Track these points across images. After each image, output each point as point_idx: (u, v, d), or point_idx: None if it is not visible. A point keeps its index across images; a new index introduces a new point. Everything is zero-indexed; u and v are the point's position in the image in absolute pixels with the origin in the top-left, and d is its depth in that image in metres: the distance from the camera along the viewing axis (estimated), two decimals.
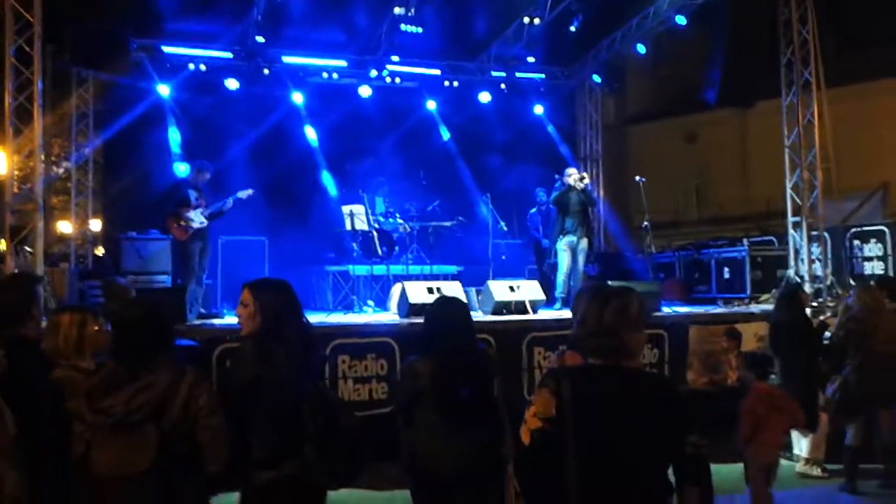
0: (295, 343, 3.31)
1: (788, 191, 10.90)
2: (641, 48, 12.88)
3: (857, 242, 11.05)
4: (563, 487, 2.42)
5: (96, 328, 3.43)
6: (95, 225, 13.27)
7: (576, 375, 2.59)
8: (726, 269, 11.24)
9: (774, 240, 11.99)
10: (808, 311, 7.57)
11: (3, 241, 8.73)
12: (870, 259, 10.84)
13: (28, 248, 8.98)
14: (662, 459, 2.53)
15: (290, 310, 3.39)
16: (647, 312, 3.78)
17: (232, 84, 12.18)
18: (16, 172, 8.87)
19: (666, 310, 9.27)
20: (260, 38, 11.74)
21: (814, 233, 10.73)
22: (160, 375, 3.02)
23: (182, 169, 10.99)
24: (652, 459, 2.49)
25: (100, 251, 12.62)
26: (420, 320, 7.54)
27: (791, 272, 10.67)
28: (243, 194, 8.92)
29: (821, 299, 10.21)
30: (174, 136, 12.00)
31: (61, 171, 12.87)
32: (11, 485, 2.80)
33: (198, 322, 8.06)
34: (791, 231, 10.86)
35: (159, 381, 3.01)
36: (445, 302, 4.29)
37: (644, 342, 2.76)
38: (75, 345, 3.34)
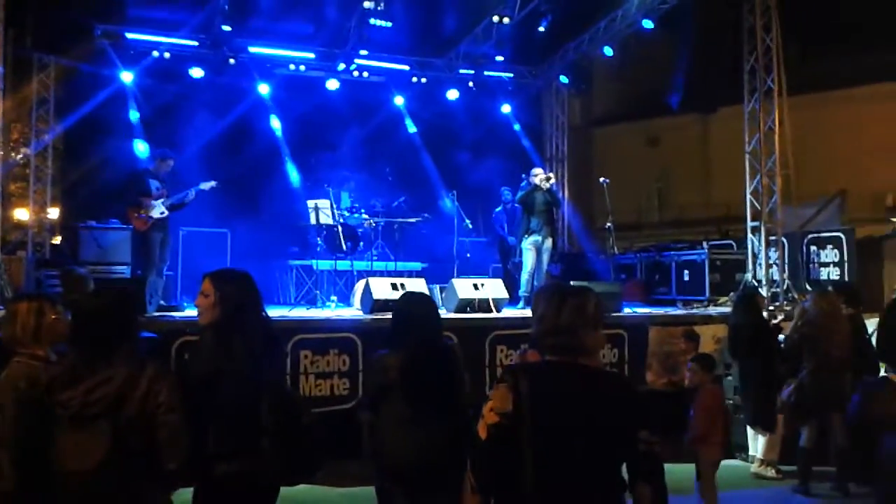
0: (255, 336, 3.29)
1: (748, 196, 11.08)
2: (608, 51, 12.97)
3: (814, 248, 11.26)
4: (519, 482, 2.45)
5: (54, 317, 3.36)
6: (53, 213, 13.00)
7: (533, 372, 2.63)
8: (686, 272, 11.40)
9: (734, 244, 12.19)
10: (764, 314, 7.72)
11: None
12: (826, 265, 11.05)
13: None
14: (616, 456, 2.57)
15: (251, 302, 3.36)
16: (605, 312, 3.83)
17: (196, 73, 12.00)
18: None
19: (627, 310, 9.38)
20: (226, 27, 11.56)
21: (772, 237, 10.93)
22: (119, 369, 2.97)
23: (141, 148, 10.79)
24: (606, 455, 2.53)
25: (57, 240, 12.37)
26: (383, 316, 7.57)
27: (749, 276, 10.86)
28: (206, 186, 8.80)
29: (777, 303, 10.41)
30: (136, 125, 11.78)
31: (20, 157, 12.61)
32: (8, 479, 2.78)
33: (157, 314, 7.95)
34: (750, 235, 11.05)
35: (118, 374, 2.95)
36: (413, 297, 4.33)
37: (602, 341, 2.81)
38: (33, 333, 3.27)
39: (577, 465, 2.47)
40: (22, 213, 16.74)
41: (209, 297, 3.31)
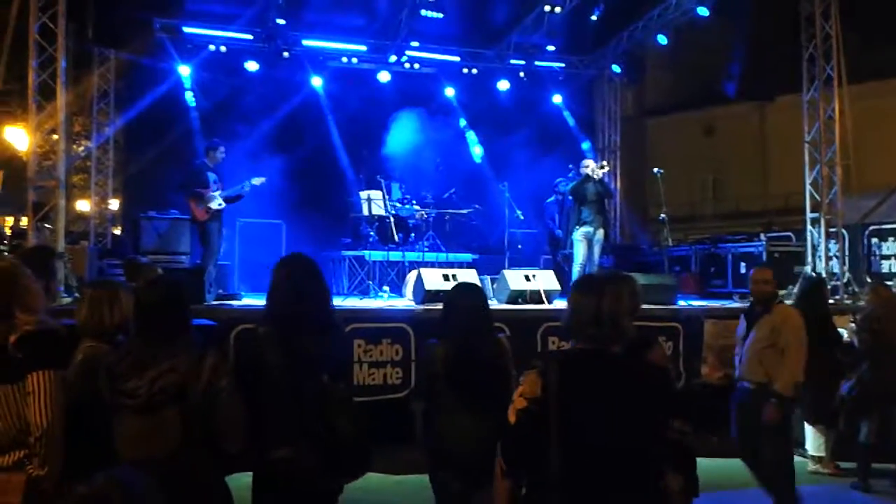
0: (314, 326, 3.33)
1: (808, 187, 10.83)
2: (662, 39, 12.78)
3: (875, 240, 10.98)
4: (547, 467, 2.47)
5: (124, 304, 3.43)
6: (114, 204, 13.37)
7: (563, 359, 2.66)
8: (742, 264, 11.18)
9: (792, 235, 11.94)
10: None
11: (25, 217, 8.81)
12: (888, 257, 10.78)
13: (48, 226, 9.07)
14: (645, 443, 2.57)
15: (311, 291, 3.41)
16: (639, 298, 3.84)
17: (252, 66, 12.22)
18: (37, 149, 8.94)
19: (681, 303, 9.26)
20: (280, 21, 11.75)
21: (832, 229, 10.67)
22: (182, 357, 3.03)
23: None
24: (634, 442, 2.53)
25: (118, 230, 12.71)
26: (435, 307, 7.61)
27: (808, 268, 10.63)
28: (257, 181, 8.98)
29: (837, 296, 10.17)
30: (194, 118, 12.02)
31: (81, 149, 12.96)
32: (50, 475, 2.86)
33: (216, 302, 8.12)
34: (809, 227, 10.80)
35: (181, 362, 3.02)
36: (464, 287, 4.33)
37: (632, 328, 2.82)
38: (102, 319, 3.34)
39: (602, 452, 2.48)
40: (83, 205, 17.26)
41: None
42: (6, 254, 8.86)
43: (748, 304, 5.90)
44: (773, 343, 5.17)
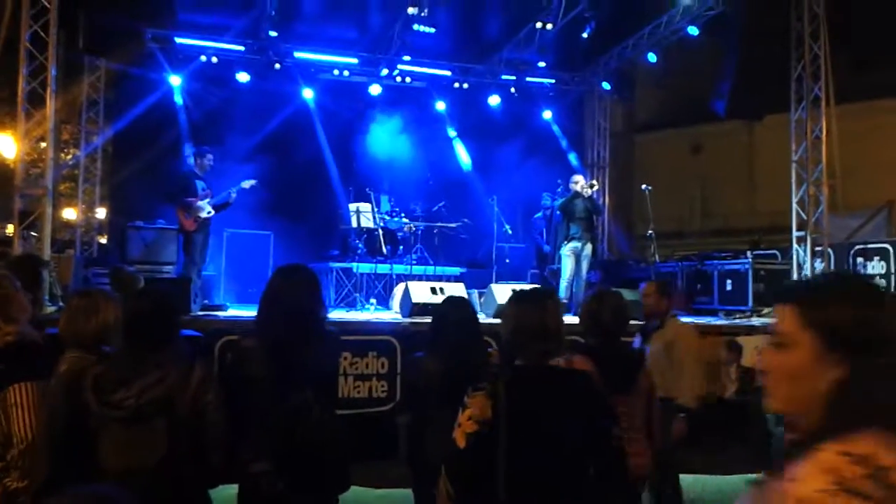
0: (301, 338, 3.31)
1: (794, 205, 10.92)
2: (652, 57, 12.89)
3: (860, 259, 11.05)
4: (493, 489, 2.48)
5: (107, 313, 3.39)
6: (101, 213, 13.30)
7: (510, 378, 2.64)
8: (729, 281, 11.23)
9: (778, 253, 12.01)
10: None
11: (11, 225, 8.76)
12: (872, 277, 10.83)
13: (34, 234, 9.02)
14: (589, 454, 2.60)
15: (295, 300, 3.39)
16: (627, 311, 3.87)
17: (243, 77, 12.23)
18: (24, 157, 8.90)
19: None
20: (273, 33, 11.77)
21: (818, 248, 10.75)
22: (170, 368, 3.01)
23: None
24: (581, 455, 2.56)
25: (104, 239, 12.65)
26: (422, 320, 7.60)
27: None
28: (246, 184, 8.94)
29: None
30: (184, 128, 12.01)
31: (70, 158, 12.92)
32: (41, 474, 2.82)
33: (202, 313, 8.09)
34: (795, 245, 10.88)
35: (170, 374, 3.00)
36: (454, 301, 4.33)
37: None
38: (85, 329, 3.29)
39: (550, 467, 2.49)
40: (70, 213, 17.16)
41: None
42: None
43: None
44: (668, 358, 5.14)
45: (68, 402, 3.01)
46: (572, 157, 14.91)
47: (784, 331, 1.43)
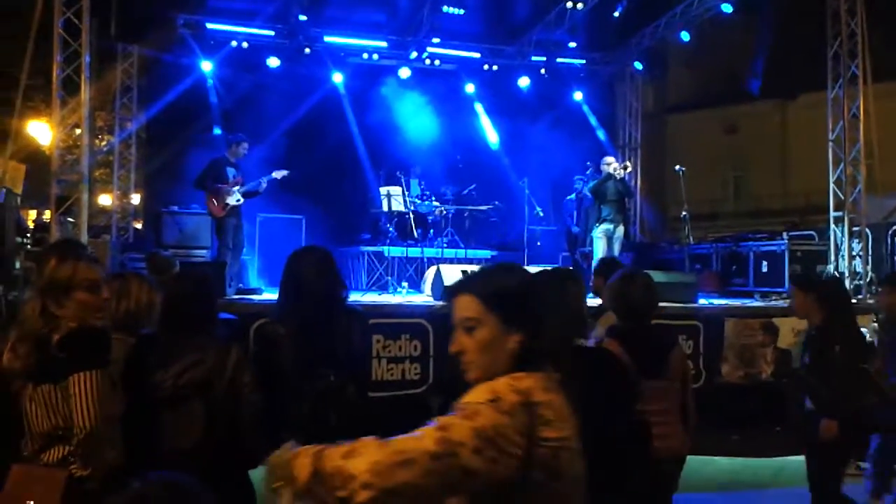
0: (320, 325, 3.31)
1: (831, 185, 10.72)
2: (685, 36, 12.68)
3: None
4: None
5: (146, 297, 3.42)
6: (136, 198, 13.47)
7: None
8: (764, 263, 11.06)
9: (815, 234, 11.81)
10: None
11: (48, 211, 8.89)
12: None
13: (70, 219, 9.16)
14: (621, 428, 2.68)
15: (317, 286, 3.39)
16: (655, 294, 3.81)
17: (273, 62, 12.27)
18: (60, 144, 9.02)
19: (702, 301, 9.19)
20: (302, 17, 11.78)
21: (855, 228, 10.55)
22: (208, 351, 3.05)
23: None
24: (606, 433, 2.58)
25: (139, 224, 12.80)
26: None
27: (831, 268, 10.53)
28: (278, 174, 8.99)
29: (860, 296, 10.06)
30: (216, 113, 12.09)
31: (104, 144, 13.07)
32: (119, 453, 2.86)
33: (237, 297, 8.16)
34: (833, 226, 10.69)
35: (208, 356, 3.03)
36: None
37: None
38: (126, 312, 3.33)
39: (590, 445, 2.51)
40: (105, 199, 17.41)
41: None
42: (30, 247, 8.96)
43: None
44: None
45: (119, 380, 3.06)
46: (602, 137, 14.75)
47: (472, 316, 1.86)
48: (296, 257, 3.49)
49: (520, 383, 1.75)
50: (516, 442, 1.65)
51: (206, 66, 12.04)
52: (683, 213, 10.57)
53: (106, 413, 2.76)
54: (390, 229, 10.96)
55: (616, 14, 12.15)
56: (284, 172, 9.03)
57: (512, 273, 1.96)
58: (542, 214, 11.80)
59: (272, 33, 12.31)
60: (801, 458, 5.37)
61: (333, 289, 3.42)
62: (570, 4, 11.86)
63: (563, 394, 1.85)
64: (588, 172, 11.05)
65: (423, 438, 1.64)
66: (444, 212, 11.29)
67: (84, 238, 8.46)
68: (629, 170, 10.00)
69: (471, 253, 11.21)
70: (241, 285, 8.76)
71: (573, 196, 11.77)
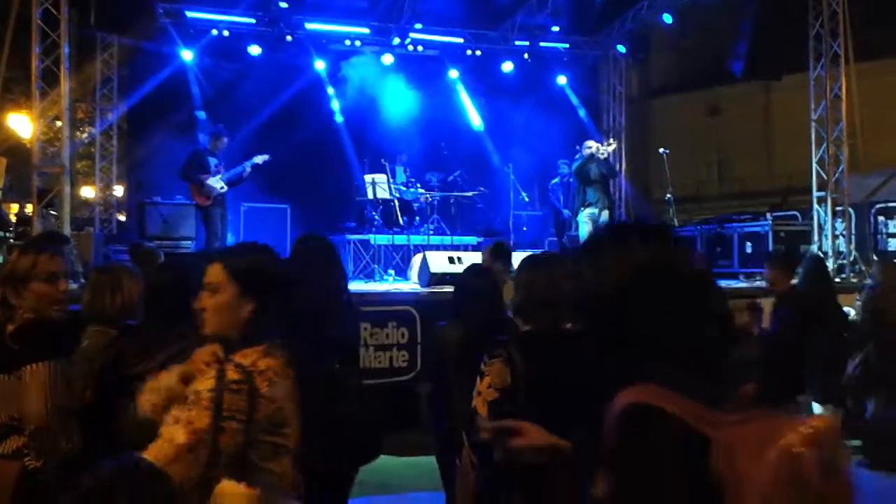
0: (324, 315, 3.31)
1: (814, 165, 10.79)
2: (668, 18, 12.68)
3: (881, 218, 10.95)
4: None
5: (130, 288, 3.42)
6: (118, 190, 13.36)
7: (523, 343, 2.66)
8: (749, 244, 11.14)
9: (798, 215, 11.90)
10: None
11: (30, 204, 8.82)
12: (894, 235, 10.73)
13: (53, 212, 9.09)
14: (601, 413, 2.61)
15: (314, 273, 3.38)
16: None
17: (254, 50, 12.16)
18: (41, 136, 8.94)
19: None
20: (283, 4, 11.68)
21: (838, 208, 10.64)
22: (191, 342, 3.03)
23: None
24: (599, 417, 2.56)
25: (123, 216, 12.72)
26: (441, 289, 7.60)
27: (815, 247, 10.60)
28: (259, 159, 9.00)
29: (844, 275, 10.14)
30: (197, 102, 12.00)
31: (85, 136, 12.95)
32: (76, 445, 2.84)
33: None
34: (816, 206, 10.76)
35: (192, 345, 3.01)
36: (476, 269, 4.32)
37: None
38: (109, 304, 3.32)
39: (569, 434, 2.50)
40: (88, 191, 17.26)
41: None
42: (13, 241, 8.89)
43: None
44: None
45: (89, 376, 3.05)
46: (587, 121, 14.74)
47: (215, 281, 2.14)
48: (304, 245, 3.49)
49: (244, 358, 2.04)
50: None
51: (187, 54, 11.94)
52: (668, 195, 10.62)
53: (58, 405, 2.77)
54: (376, 217, 10.94)
55: None
56: (265, 157, 9.07)
57: (258, 253, 2.25)
58: (527, 199, 11.82)
59: (253, 21, 12.19)
60: None
61: (341, 278, 3.43)
62: None
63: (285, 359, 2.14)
64: (577, 157, 11.07)
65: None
66: (430, 198, 11.27)
67: (67, 230, 8.41)
68: (612, 147, 10.00)
69: (457, 239, 11.20)
70: None
71: (557, 180, 11.78)
